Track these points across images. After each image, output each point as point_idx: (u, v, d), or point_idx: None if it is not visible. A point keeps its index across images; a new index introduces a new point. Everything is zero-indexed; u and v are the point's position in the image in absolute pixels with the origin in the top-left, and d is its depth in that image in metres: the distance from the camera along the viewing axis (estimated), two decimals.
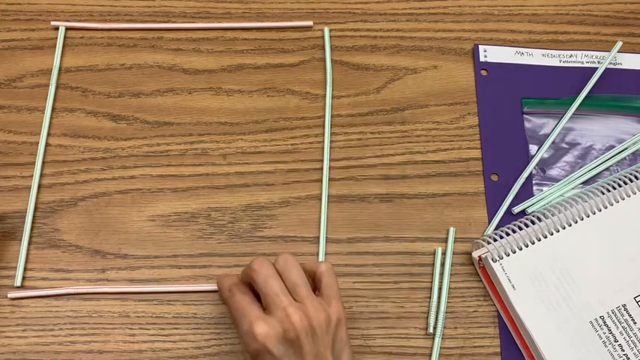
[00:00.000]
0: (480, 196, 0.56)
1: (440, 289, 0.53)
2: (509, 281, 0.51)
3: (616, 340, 0.50)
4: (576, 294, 0.51)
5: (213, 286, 0.52)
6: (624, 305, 0.51)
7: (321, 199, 0.55)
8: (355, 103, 0.59)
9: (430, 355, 0.51)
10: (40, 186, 0.55)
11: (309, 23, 0.62)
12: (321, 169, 0.56)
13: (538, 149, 0.57)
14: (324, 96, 0.59)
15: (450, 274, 0.53)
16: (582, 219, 0.53)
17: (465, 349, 0.51)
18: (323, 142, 0.57)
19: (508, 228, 0.53)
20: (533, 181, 0.56)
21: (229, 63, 0.61)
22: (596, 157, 0.57)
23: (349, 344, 0.45)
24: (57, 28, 0.61)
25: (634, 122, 0.59)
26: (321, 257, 0.53)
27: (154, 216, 0.55)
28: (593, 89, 0.59)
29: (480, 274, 0.53)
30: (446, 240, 0.54)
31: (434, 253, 0.54)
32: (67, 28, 0.61)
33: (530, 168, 0.56)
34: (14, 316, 0.51)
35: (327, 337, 0.43)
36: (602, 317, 0.50)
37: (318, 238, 0.54)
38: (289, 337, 0.42)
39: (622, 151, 0.57)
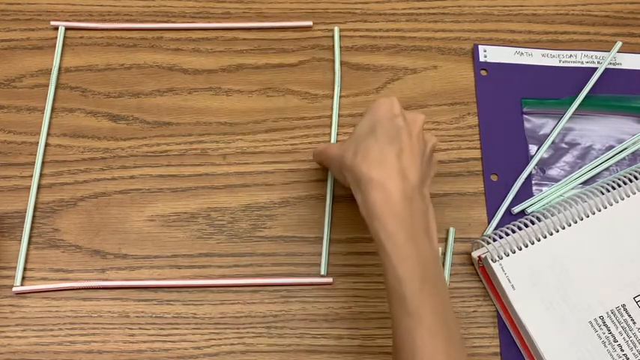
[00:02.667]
0: (479, 196, 0.56)
1: None
2: (509, 281, 0.51)
3: (615, 340, 0.50)
4: (576, 294, 0.51)
5: (212, 281, 0.52)
6: (624, 305, 0.51)
7: (325, 199, 0.55)
8: (355, 103, 0.59)
9: None
10: (39, 186, 0.55)
11: (309, 23, 0.62)
12: (322, 169, 0.56)
13: (538, 149, 0.57)
14: (324, 96, 0.59)
15: (450, 274, 0.53)
16: (582, 219, 0.53)
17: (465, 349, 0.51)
18: (323, 142, 0.57)
19: (508, 228, 0.53)
20: (533, 181, 0.56)
21: (229, 63, 0.60)
22: (595, 157, 0.57)
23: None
24: (57, 28, 0.61)
25: (633, 122, 0.59)
26: (324, 257, 0.53)
27: (154, 216, 0.55)
28: (592, 89, 0.59)
29: (479, 274, 0.53)
30: (445, 240, 0.54)
31: None
32: (67, 28, 0.61)
33: (530, 168, 0.56)
34: (14, 316, 0.51)
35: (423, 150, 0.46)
36: (601, 317, 0.50)
37: (319, 238, 0.54)
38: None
39: (622, 151, 0.57)
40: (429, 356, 0.40)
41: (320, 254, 0.53)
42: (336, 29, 0.61)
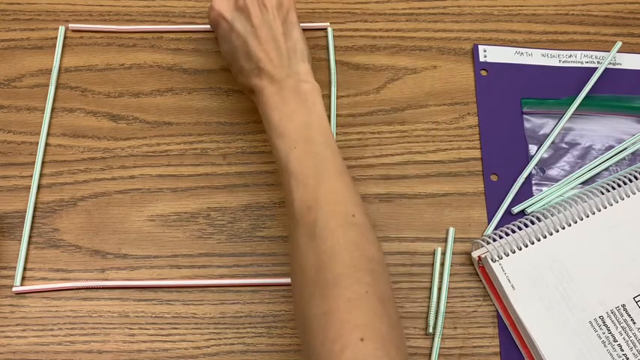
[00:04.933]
0: (479, 196, 0.56)
1: (439, 289, 0.53)
2: (509, 281, 0.51)
3: (615, 340, 0.50)
4: (576, 294, 0.51)
5: (211, 281, 0.52)
6: (623, 305, 0.51)
7: None
8: (355, 103, 0.59)
9: (430, 355, 0.51)
10: (39, 186, 0.55)
11: (326, 24, 0.62)
12: None
13: (538, 149, 0.57)
14: (324, 96, 0.59)
15: (450, 274, 0.53)
16: (582, 219, 0.53)
17: (465, 349, 0.51)
18: None
19: (507, 228, 0.53)
20: (533, 181, 0.56)
21: None
22: (595, 157, 0.57)
23: (299, 26, 0.52)
24: (57, 28, 0.61)
25: (633, 122, 0.59)
26: None
27: (154, 216, 0.55)
28: (592, 89, 0.59)
29: (479, 274, 0.53)
30: (445, 240, 0.54)
31: (433, 253, 0.54)
32: (67, 29, 0.61)
33: (530, 168, 0.56)
34: (14, 316, 0.51)
35: (278, 14, 0.51)
36: (601, 317, 0.50)
37: None
38: (239, 5, 0.51)
39: (621, 151, 0.57)
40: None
41: None
42: (330, 29, 0.61)
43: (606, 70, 0.60)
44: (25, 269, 0.53)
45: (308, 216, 0.43)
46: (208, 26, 0.61)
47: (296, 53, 0.51)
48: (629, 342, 0.50)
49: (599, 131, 0.58)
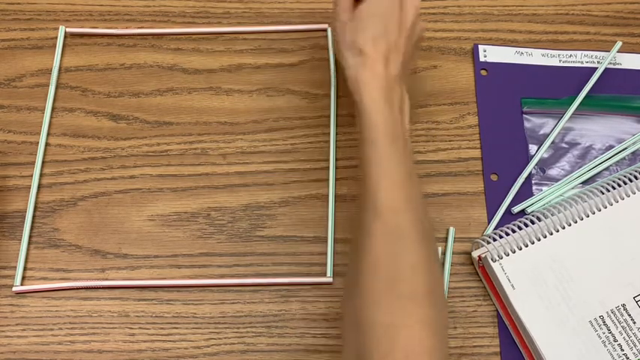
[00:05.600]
0: (479, 195, 0.56)
1: None
2: (509, 281, 0.51)
3: (615, 340, 0.50)
4: (576, 293, 0.51)
5: (212, 280, 0.52)
6: (624, 305, 0.51)
7: (328, 199, 0.55)
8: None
9: None
10: (39, 186, 0.55)
11: (324, 26, 0.61)
12: (322, 168, 0.56)
13: (538, 149, 0.57)
14: (324, 95, 0.59)
15: (450, 274, 0.53)
16: (582, 219, 0.53)
17: (465, 349, 0.51)
18: (323, 141, 0.57)
19: (508, 228, 0.53)
20: (533, 181, 0.56)
21: (229, 63, 0.61)
22: (595, 157, 0.57)
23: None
24: (57, 28, 0.61)
25: (634, 122, 0.59)
26: (330, 257, 0.53)
27: (154, 216, 0.55)
28: (592, 89, 0.59)
29: (479, 274, 0.53)
30: (445, 240, 0.54)
31: None
32: (67, 29, 0.61)
33: (530, 168, 0.56)
34: (14, 315, 0.51)
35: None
36: (601, 317, 0.50)
37: (318, 237, 0.54)
38: None
39: (622, 151, 0.57)
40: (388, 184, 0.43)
41: (320, 254, 0.53)
42: (329, 29, 0.61)
43: (606, 70, 0.60)
44: (25, 269, 0.53)
45: (393, 217, 0.42)
46: (208, 28, 0.62)
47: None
48: (630, 342, 0.50)
49: (600, 131, 0.58)
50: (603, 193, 0.54)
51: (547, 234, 0.53)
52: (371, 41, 0.48)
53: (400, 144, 0.45)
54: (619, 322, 0.50)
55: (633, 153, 0.57)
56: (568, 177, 0.56)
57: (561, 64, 0.61)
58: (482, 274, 0.53)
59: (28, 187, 0.55)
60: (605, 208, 0.53)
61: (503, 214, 0.55)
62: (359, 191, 0.46)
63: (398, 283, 0.40)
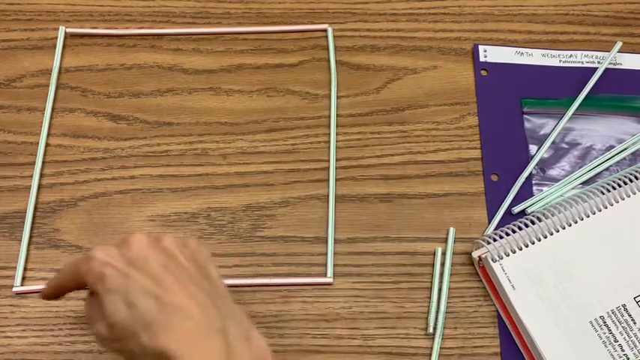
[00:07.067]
0: (479, 196, 0.56)
1: (440, 289, 0.53)
2: (509, 281, 0.51)
3: (616, 341, 0.50)
4: (576, 294, 0.51)
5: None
6: (624, 305, 0.51)
7: (328, 199, 0.55)
8: (355, 103, 0.59)
9: (430, 355, 0.51)
10: (39, 186, 0.55)
11: (325, 26, 0.61)
12: (322, 169, 0.56)
13: (538, 149, 0.57)
14: (325, 96, 0.59)
15: (450, 274, 0.53)
16: (582, 219, 0.53)
17: (465, 349, 0.51)
18: (323, 141, 0.57)
19: (508, 228, 0.53)
20: (533, 181, 0.56)
21: (229, 63, 0.61)
22: (596, 157, 0.57)
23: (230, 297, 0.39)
24: (57, 29, 0.61)
25: (634, 122, 0.59)
26: (330, 257, 0.53)
27: (154, 216, 0.55)
28: (593, 89, 0.59)
29: (479, 274, 0.53)
30: (446, 240, 0.54)
31: (434, 253, 0.54)
32: (67, 29, 0.61)
33: (530, 168, 0.56)
34: (14, 316, 0.51)
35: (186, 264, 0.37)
36: (602, 317, 0.50)
37: (319, 238, 0.54)
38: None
39: (622, 151, 0.57)
40: None
41: (320, 254, 0.53)
42: (330, 29, 0.61)
43: (607, 70, 0.60)
44: (25, 269, 0.53)
45: None
46: (208, 28, 0.62)
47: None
48: (630, 342, 0.50)
49: (600, 131, 0.58)
50: (603, 194, 0.54)
51: (547, 234, 0.52)
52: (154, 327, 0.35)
53: None
54: (619, 322, 0.50)
55: (633, 153, 0.57)
56: (568, 177, 0.56)
57: (561, 65, 0.61)
58: (482, 274, 0.53)
59: (28, 188, 0.55)
60: (606, 208, 0.53)
61: (504, 214, 0.55)
62: None
63: None
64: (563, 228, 0.53)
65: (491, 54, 0.61)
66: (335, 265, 0.53)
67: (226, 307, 0.38)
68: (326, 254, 0.53)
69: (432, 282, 0.53)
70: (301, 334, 0.51)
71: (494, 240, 0.52)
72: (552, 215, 0.53)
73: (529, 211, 0.55)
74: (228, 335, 0.36)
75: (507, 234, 0.53)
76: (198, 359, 0.34)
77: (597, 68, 0.60)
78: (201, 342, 0.35)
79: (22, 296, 0.52)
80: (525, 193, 0.56)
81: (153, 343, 0.35)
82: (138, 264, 0.37)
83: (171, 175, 0.56)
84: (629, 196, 0.54)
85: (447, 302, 0.52)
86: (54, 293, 0.43)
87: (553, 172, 0.57)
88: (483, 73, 0.60)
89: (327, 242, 0.54)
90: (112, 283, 0.36)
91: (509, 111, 0.59)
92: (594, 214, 0.53)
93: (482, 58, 0.61)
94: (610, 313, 0.50)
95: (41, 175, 0.56)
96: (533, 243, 0.52)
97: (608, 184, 0.54)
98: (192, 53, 0.61)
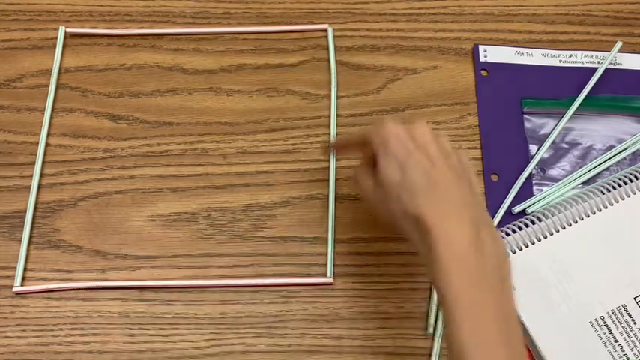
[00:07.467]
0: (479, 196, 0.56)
1: None
2: None
3: (616, 341, 0.50)
4: (576, 294, 0.51)
5: (212, 281, 0.52)
6: (624, 305, 0.51)
7: (328, 199, 0.55)
8: (355, 103, 0.59)
9: (430, 355, 0.51)
10: (39, 186, 0.55)
11: (325, 26, 0.61)
12: (322, 169, 0.56)
13: (538, 149, 0.57)
14: (325, 96, 0.59)
15: None
16: (582, 219, 0.53)
17: None
18: (323, 141, 0.57)
19: (508, 228, 0.53)
20: (533, 181, 0.56)
21: (229, 63, 0.61)
22: (596, 158, 0.57)
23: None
24: (57, 29, 0.61)
25: (634, 122, 0.59)
26: (330, 257, 0.53)
27: (154, 216, 0.55)
28: (593, 89, 0.59)
29: None
30: None
31: None
32: (67, 29, 0.61)
33: (530, 168, 0.56)
34: (14, 316, 0.51)
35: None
36: (602, 317, 0.50)
37: (319, 238, 0.54)
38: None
39: (622, 151, 0.57)
40: None
41: (320, 254, 0.53)
42: (330, 29, 0.61)
43: (607, 70, 0.60)
44: (25, 269, 0.53)
45: None
46: (208, 28, 0.62)
47: None
48: (630, 342, 0.50)
49: (600, 131, 0.58)
50: (604, 194, 0.54)
51: (547, 234, 0.52)
52: (426, 206, 0.40)
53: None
54: (619, 322, 0.50)
55: (633, 153, 0.57)
56: (568, 177, 0.56)
57: (561, 65, 0.61)
58: None
59: (28, 188, 0.55)
60: (606, 208, 0.53)
61: (504, 214, 0.55)
62: None
63: None
64: (563, 228, 0.53)
65: (492, 54, 0.61)
66: (335, 265, 0.53)
67: (482, 212, 0.42)
68: (326, 254, 0.53)
69: None
70: (301, 334, 0.51)
71: None
72: (552, 215, 0.53)
73: (529, 211, 0.55)
74: (480, 230, 0.39)
75: (507, 234, 0.53)
76: (448, 233, 0.39)
77: (597, 68, 0.60)
78: (455, 222, 0.39)
79: (22, 296, 0.52)
80: (525, 193, 0.56)
81: (414, 208, 0.40)
82: (418, 143, 0.42)
83: (171, 175, 0.56)
84: (629, 196, 0.54)
85: None
86: (340, 149, 0.53)
87: (553, 172, 0.57)
88: (483, 73, 0.60)
89: (327, 242, 0.54)
90: (394, 149, 0.42)
91: (509, 111, 0.59)
92: (594, 214, 0.53)
93: (482, 58, 0.61)
94: (610, 313, 0.50)
95: (41, 175, 0.56)
96: (533, 243, 0.52)
97: (608, 184, 0.54)
98: (192, 53, 0.61)
